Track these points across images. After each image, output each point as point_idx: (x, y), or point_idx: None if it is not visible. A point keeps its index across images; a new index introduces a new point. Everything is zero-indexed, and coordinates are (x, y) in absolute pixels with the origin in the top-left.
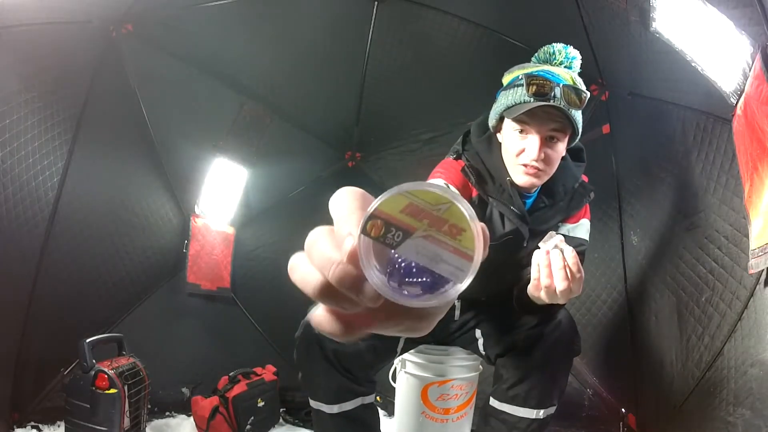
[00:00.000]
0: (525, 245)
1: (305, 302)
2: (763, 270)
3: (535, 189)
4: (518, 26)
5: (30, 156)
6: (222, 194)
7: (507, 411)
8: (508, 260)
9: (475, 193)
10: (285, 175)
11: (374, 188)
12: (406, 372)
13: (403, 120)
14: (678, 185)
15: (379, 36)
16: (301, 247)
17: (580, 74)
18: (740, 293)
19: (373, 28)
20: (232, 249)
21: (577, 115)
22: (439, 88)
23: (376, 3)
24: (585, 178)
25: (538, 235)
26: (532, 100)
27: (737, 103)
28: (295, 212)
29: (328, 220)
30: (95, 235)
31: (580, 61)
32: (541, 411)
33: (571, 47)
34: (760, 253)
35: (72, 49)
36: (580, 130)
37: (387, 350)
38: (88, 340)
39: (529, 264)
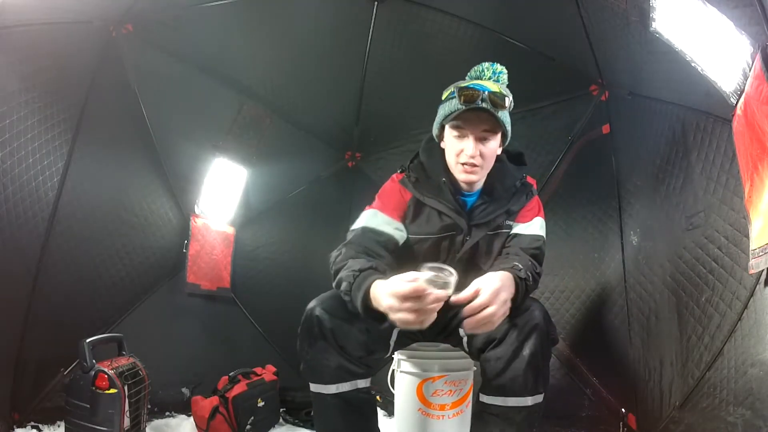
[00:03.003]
0: (468, 238)
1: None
2: (763, 270)
3: (477, 187)
4: (518, 26)
5: (30, 156)
6: (222, 194)
7: (496, 403)
8: (457, 254)
9: (408, 197)
10: (285, 175)
11: (374, 188)
12: (401, 371)
13: (403, 120)
14: (678, 185)
15: (379, 36)
16: (301, 247)
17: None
18: (740, 293)
19: (373, 28)
20: (232, 249)
21: (504, 116)
22: (439, 88)
23: (376, 3)
24: (532, 181)
25: (482, 227)
26: (464, 107)
27: (737, 103)
28: (295, 212)
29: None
30: (95, 235)
31: (507, 74)
32: (529, 398)
33: (498, 64)
34: (761, 253)
35: (72, 49)
36: (510, 130)
37: (379, 336)
38: (88, 340)
39: (484, 264)
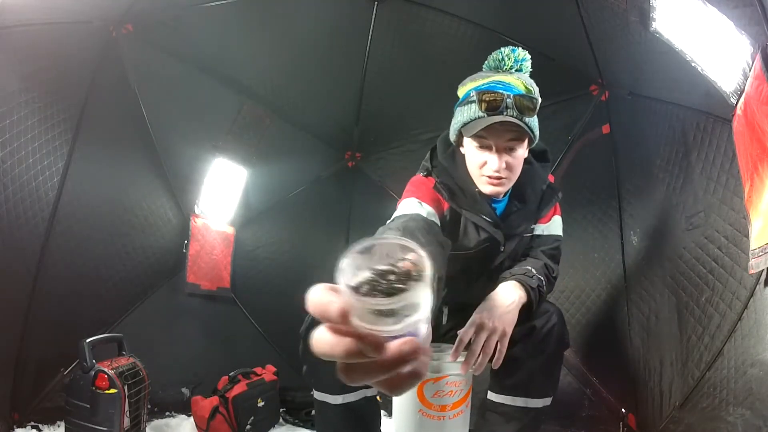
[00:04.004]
0: (502, 250)
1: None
2: (763, 270)
3: (505, 195)
4: (518, 26)
5: (30, 156)
6: (222, 194)
7: (505, 402)
8: (490, 266)
9: (446, 206)
10: (285, 175)
11: (374, 188)
12: None
13: (403, 120)
14: (678, 185)
15: (379, 36)
16: (301, 247)
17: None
18: (740, 293)
19: (373, 28)
20: (232, 249)
21: (532, 121)
22: (439, 88)
23: (376, 3)
24: (551, 178)
25: (514, 238)
26: (485, 115)
27: (737, 103)
28: (295, 212)
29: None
30: (95, 235)
31: (530, 61)
32: (539, 401)
33: (520, 49)
34: (760, 253)
35: (72, 49)
36: (537, 134)
37: None
38: (88, 340)
39: (509, 267)
